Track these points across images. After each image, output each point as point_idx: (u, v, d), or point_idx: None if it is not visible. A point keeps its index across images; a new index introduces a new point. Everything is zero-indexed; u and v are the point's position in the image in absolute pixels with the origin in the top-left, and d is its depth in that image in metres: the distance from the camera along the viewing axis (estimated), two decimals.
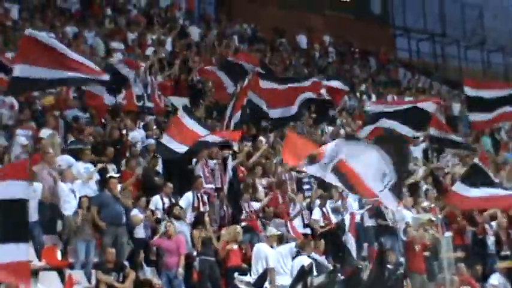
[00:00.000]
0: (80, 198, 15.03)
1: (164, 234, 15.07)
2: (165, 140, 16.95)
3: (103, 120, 19.19)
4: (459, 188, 15.30)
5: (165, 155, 17.06)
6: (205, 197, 16.72)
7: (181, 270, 14.82)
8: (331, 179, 12.66)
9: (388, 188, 12.08)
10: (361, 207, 18.56)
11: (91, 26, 24.47)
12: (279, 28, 33.15)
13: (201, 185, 16.76)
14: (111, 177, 15.69)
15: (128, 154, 17.65)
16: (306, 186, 19.11)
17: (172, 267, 14.80)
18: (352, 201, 18.78)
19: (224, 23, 31.17)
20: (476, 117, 18.55)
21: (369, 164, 12.17)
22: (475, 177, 15.21)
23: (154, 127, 19.74)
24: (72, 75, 14.06)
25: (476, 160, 16.14)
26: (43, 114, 17.98)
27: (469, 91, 18.69)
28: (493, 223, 19.22)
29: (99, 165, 16.28)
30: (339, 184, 13.05)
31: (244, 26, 31.70)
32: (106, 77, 14.74)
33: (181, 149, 16.46)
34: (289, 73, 28.18)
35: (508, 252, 18.66)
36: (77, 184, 15.62)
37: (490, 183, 15.18)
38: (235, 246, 15.66)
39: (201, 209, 16.33)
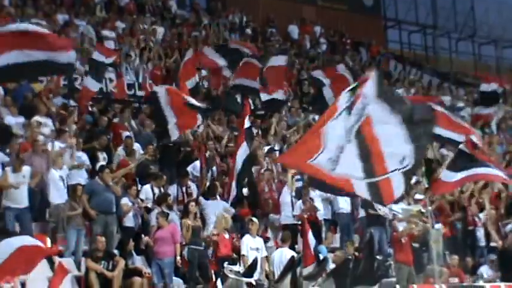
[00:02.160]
0: (73, 186, 14.98)
1: (158, 229, 15.09)
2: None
3: (90, 109, 19.21)
4: (446, 175, 15.43)
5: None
6: (193, 187, 16.73)
7: (178, 258, 14.84)
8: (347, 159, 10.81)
9: (402, 171, 10.61)
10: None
11: (82, 14, 24.38)
12: (270, 18, 33.14)
13: (187, 182, 16.76)
14: (104, 166, 15.68)
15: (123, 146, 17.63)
16: (297, 177, 19.13)
17: (164, 256, 14.78)
18: None
19: (216, 12, 31.14)
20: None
21: (392, 137, 10.60)
22: (461, 162, 15.32)
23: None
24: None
25: (462, 146, 16.20)
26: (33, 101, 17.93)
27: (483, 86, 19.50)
28: (481, 215, 19.30)
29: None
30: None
31: (236, 15, 31.64)
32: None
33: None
34: None
35: (497, 244, 18.72)
36: (67, 172, 15.60)
37: (476, 165, 15.23)
38: (226, 236, 15.69)
39: (186, 201, 16.37)
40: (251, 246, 15.56)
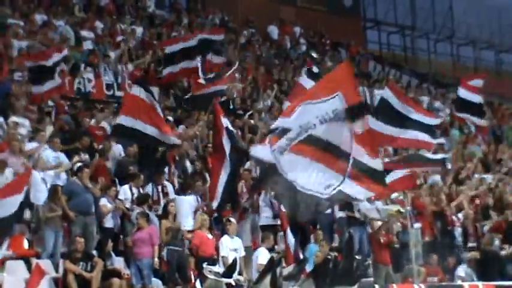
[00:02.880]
0: (54, 187, 14.88)
1: (138, 229, 15.03)
2: (123, 120, 16.45)
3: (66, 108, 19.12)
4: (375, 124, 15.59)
5: (127, 137, 16.86)
6: (169, 187, 16.65)
7: (156, 260, 14.79)
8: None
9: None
10: None
11: (60, 13, 24.23)
12: (249, 19, 33.15)
13: (162, 180, 16.71)
14: (83, 166, 15.59)
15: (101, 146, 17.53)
16: None
17: (143, 258, 14.72)
18: None
19: (196, 12, 31.13)
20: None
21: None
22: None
23: None
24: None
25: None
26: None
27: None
28: (460, 215, 19.41)
29: (76, 159, 16.21)
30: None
31: (216, 16, 31.63)
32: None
33: (146, 130, 16.29)
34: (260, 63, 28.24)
35: (475, 244, 18.85)
36: (47, 173, 15.49)
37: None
38: (209, 236, 15.66)
39: (162, 201, 16.28)
40: (230, 247, 15.55)
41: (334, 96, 10.91)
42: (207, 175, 17.75)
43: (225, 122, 16.16)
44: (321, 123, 10.93)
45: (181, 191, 17.01)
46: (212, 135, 16.84)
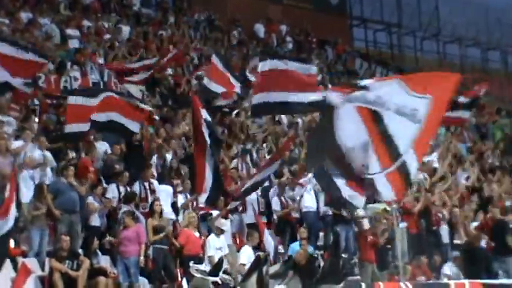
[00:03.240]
0: (40, 185, 14.84)
1: (124, 228, 15.02)
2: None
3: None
4: None
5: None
6: (155, 184, 16.63)
7: (142, 259, 14.79)
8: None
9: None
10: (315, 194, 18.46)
11: (46, 12, 24.14)
12: (236, 18, 33.14)
13: (149, 176, 16.71)
14: (68, 164, 15.55)
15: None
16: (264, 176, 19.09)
17: (130, 256, 14.71)
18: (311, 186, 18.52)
19: (182, 11, 31.10)
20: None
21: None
22: None
23: None
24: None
25: None
26: None
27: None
28: (446, 212, 19.46)
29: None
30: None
31: (202, 14, 31.61)
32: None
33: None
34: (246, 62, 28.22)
35: (461, 241, 18.91)
36: (36, 171, 15.45)
37: None
38: (197, 234, 15.66)
39: (149, 198, 16.27)
40: (216, 245, 15.56)
41: (423, 97, 10.58)
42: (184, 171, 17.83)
43: (204, 113, 16.04)
44: (395, 112, 10.63)
45: (159, 180, 17.11)
46: (193, 129, 16.66)
